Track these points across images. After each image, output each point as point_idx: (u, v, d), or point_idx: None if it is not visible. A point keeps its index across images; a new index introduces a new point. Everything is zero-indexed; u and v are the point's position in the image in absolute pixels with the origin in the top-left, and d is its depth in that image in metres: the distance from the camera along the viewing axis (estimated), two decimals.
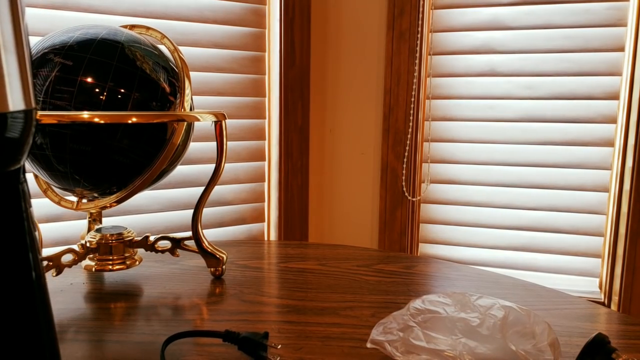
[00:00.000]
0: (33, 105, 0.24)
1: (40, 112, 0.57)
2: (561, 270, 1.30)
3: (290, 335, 0.53)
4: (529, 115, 1.28)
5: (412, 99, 1.32)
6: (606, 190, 1.25)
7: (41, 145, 0.59)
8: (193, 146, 1.20)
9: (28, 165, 0.63)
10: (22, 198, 0.24)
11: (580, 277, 1.28)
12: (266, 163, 1.34)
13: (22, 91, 0.24)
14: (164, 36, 0.70)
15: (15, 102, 0.23)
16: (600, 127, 1.24)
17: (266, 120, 1.33)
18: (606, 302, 1.25)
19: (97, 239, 0.68)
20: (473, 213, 1.34)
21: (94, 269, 0.67)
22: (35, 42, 0.63)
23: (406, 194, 1.35)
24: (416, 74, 1.31)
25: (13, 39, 0.23)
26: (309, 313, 0.59)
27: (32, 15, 1.08)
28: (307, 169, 1.37)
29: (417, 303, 0.50)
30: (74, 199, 0.66)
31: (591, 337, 0.42)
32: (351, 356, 0.49)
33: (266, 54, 1.31)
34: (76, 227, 1.06)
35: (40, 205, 0.99)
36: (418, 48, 1.30)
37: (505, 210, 1.32)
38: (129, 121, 0.58)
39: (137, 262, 0.70)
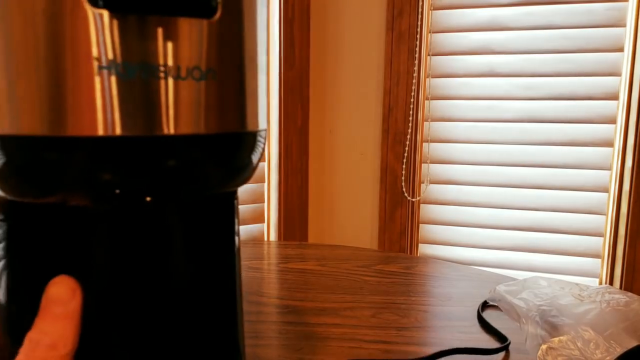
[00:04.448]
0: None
1: None
2: (561, 270, 1.30)
3: (290, 335, 0.53)
4: (528, 116, 1.28)
5: (412, 100, 1.32)
6: (606, 190, 1.25)
7: None
8: None
9: None
10: (235, 212, 0.26)
11: (580, 278, 1.28)
12: (266, 164, 1.34)
13: (265, 110, 0.25)
14: None
15: (261, 120, 0.24)
16: (600, 128, 1.24)
17: (266, 121, 1.33)
18: None
19: None
20: (472, 213, 1.34)
21: None
22: None
23: (406, 194, 1.35)
24: (415, 74, 1.31)
25: (265, 61, 0.24)
26: (309, 313, 0.59)
27: None
28: (307, 170, 1.37)
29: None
30: None
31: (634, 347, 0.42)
32: (352, 357, 0.49)
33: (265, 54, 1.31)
34: None
35: None
36: (417, 49, 1.30)
37: (504, 211, 1.32)
38: None
39: None
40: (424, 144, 1.36)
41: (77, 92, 0.18)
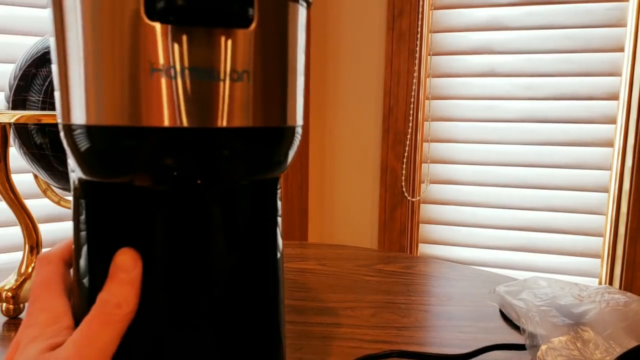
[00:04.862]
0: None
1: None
2: (561, 270, 1.30)
3: (290, 335, 0.53)
4: (528, 116, 1.28)
5: (412, 100, 1.32)
6: (606, 190, 1.25)
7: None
8: None
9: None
10: (277, 197, 0.29)
11: (580, 278, 1.28)
12: None
13: (302, 108, 0.29)
14: None
15: (298, 117, 0.28)
16: (600, 128, 1.24)
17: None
18: None
19: None
20: (472, 213, 1.34)
21: None
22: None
23: (406, 194, 1.35)
24: (416, 74, 1.31)
25: (303, 62, 0.28)
26: (309, 313, 0.59)
27: (32, 17, 1.08)
28: (307, 169, 1.37)
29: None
30: None
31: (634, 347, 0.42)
32: (352, 356, 0.49)
33: None
34: None
35: (40, 206, 0.99)
36: (418, 48, 1.30)
37: (504, 211, 1.32)
38: None
39: None
40: (424, 143, 1.36)
41: (148, 91, 0.22)
